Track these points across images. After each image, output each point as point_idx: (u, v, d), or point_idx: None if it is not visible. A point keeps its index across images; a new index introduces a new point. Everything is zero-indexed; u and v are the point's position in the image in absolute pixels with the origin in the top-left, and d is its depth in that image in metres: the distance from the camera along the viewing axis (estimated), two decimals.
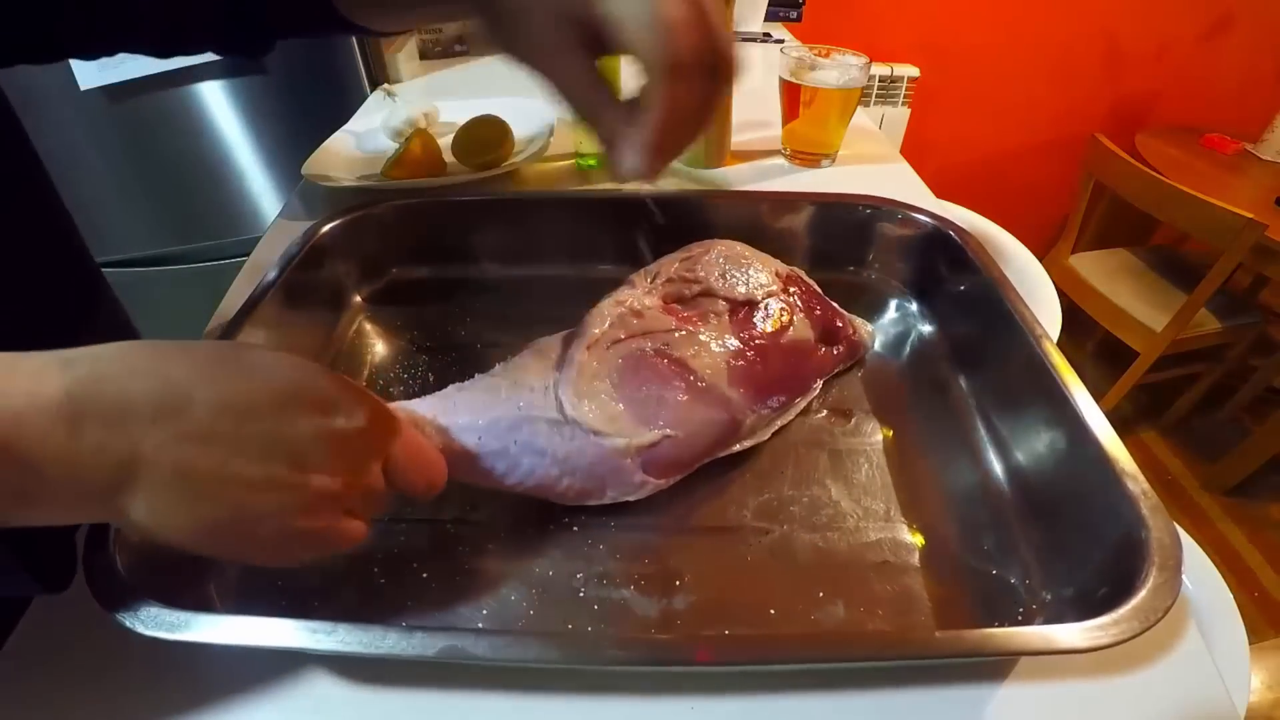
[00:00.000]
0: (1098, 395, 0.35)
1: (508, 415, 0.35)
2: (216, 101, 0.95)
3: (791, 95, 0.68)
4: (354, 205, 0.53)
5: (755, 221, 0.54)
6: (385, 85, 0.89)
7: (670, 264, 0.45)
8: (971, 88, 1.69)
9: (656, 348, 0.39)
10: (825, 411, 0.45)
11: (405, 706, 0.29)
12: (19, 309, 0.36)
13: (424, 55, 1.07)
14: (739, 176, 0.69)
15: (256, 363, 0.25)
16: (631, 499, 0.37)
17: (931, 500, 0.39)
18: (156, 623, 0.26)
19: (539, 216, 0.55)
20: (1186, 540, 0.60)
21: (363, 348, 0.51)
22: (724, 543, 0.37)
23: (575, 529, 0.37)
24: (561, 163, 0.70)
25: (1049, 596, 0.33)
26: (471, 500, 0.38)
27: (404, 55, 0.98)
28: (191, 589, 0.31)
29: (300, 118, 0.98)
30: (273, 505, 0.24)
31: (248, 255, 0.57)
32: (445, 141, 0.68)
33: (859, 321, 0.49)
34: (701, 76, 0.26)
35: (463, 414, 0.35)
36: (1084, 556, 0.33)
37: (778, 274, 0.46)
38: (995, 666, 0.30)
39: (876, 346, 0.49)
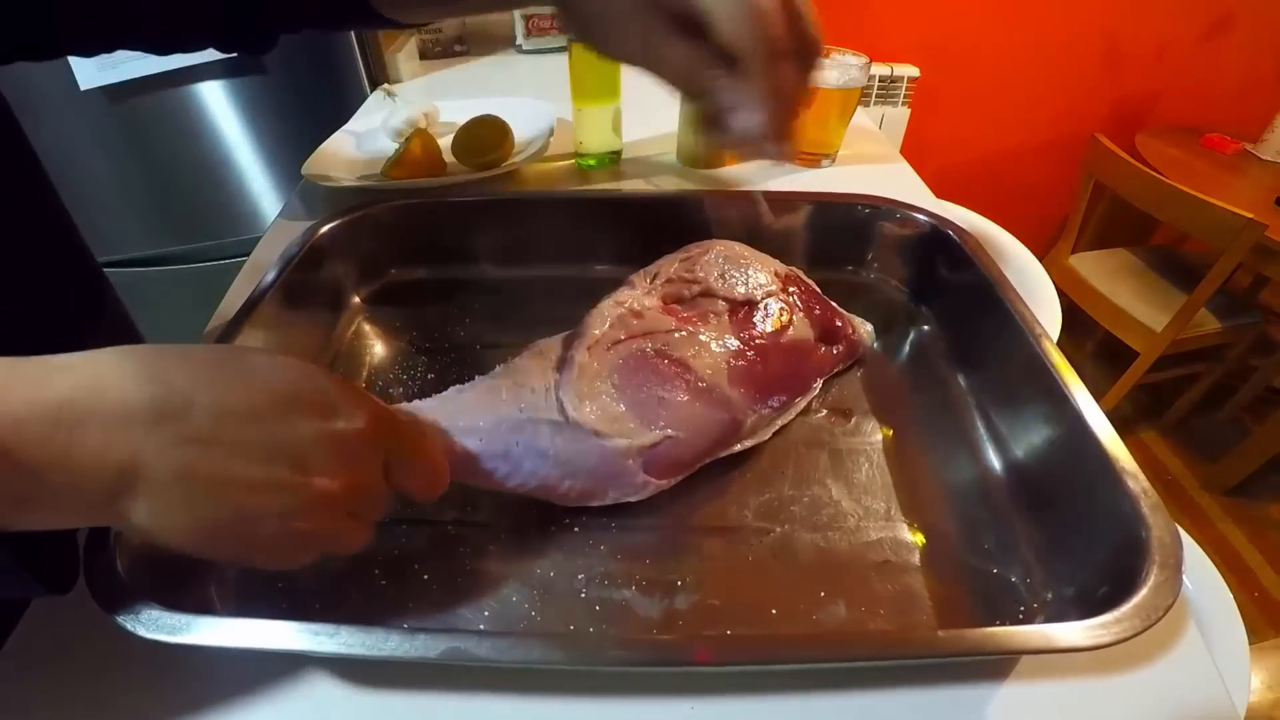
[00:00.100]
0: (1098, 395, 0.36)
1: (509, 417, 0.35)
2: (216, 101, 0.94)
3: None
4: (353, 206, 0.53)
5: (754, 221, 0.54)
6: (385, 85, 0.90)
7: (670, 264, 0.45)
8: (971, 88, 1.69)
9: (657, 348, 0.39)
10: (825, 411, 0.45)
11: (406, 708, 0.29)
12: (19, 309, 0.36)
13: (424, 55, 1.07)
14: (739, 176, 0.69)
15: (256, 366, 0.25)
16: (633, 500, 0.37)
17: (932, 499, 0.39)
18: (157, 625, 0.26)
19: (539, 217, 0.55)
20: (1186, 540, 0.60)
21: (361, 349, 0.51)
22: (725, 543, 0.37)
23: (576, 530, 0.37)
24: (561, 163, 0.70)
25: (1050, 595, 0.33)
26: (472, 501, 0.38)
27: (404, 55, 0.98)
28: (192, 591, 0.31)
29: (300, 118, 0.97)
30: (274, 508, 0.24)
31: (248, 255, 0.57)
32: (445, 141, 0.68)
33: (858, 321, 0.49)
34: (791, 59, 0.28)
35: (464, 416, 0.35)
36: (1084, 555, 0.33)
37: (777, 274, 0.46)
38: (996, 666, 0.30)
39: (876, 346, 0.49)
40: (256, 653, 0.29)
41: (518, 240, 0.55)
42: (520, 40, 1.08)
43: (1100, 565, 0.31)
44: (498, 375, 0.38)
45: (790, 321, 0.43)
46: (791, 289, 0.45)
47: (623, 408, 0.36)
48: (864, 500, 0.39)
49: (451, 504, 0.38)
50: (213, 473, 0.23)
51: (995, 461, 0.41)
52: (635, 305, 0.41)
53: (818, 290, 0.48)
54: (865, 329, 0.49)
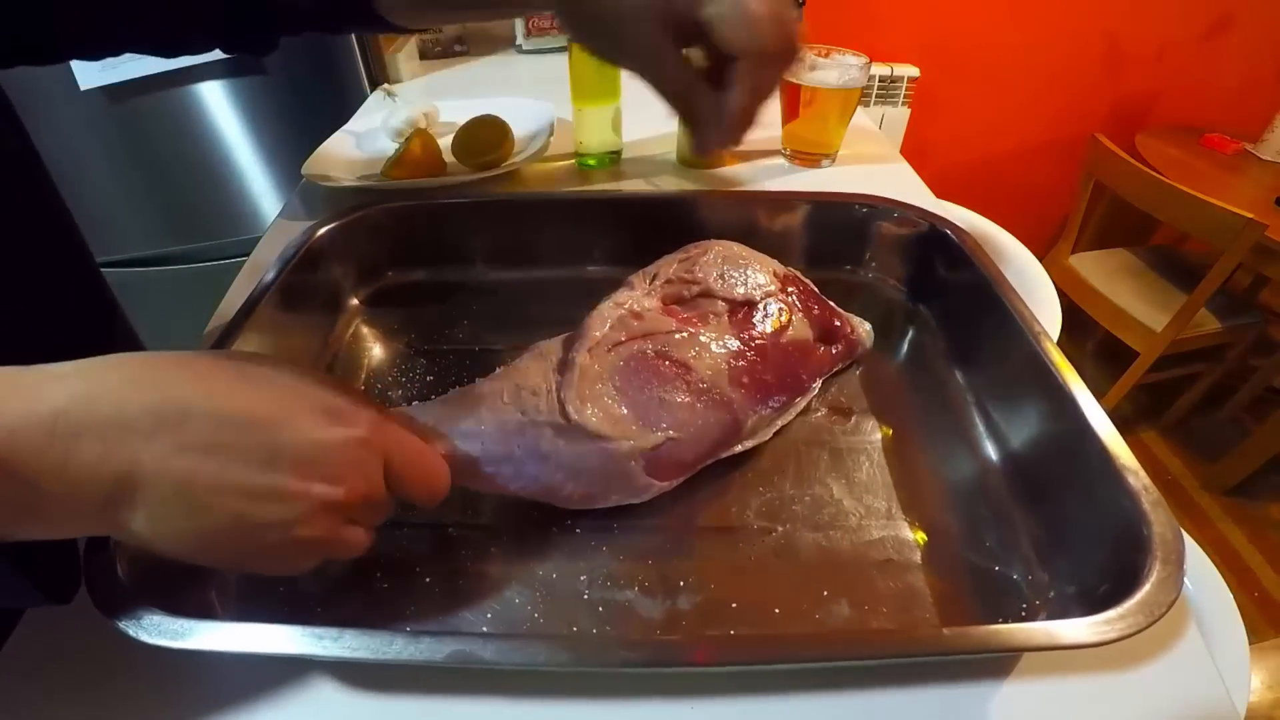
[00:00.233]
0: (1098, 395, 0.36)
1: (510, 420, 0.35)
2: (216, 101, 0.94)
3: (791, 95, 0.68)
4: (351, 207, 0.52)
5: (753, 221, 0.54)
6: (385, 85, 0.89)
7: (669, 265, 0.45)
8: (971, 88, 1.69)
9: (657, 350, 0.39)
10: (825, 410, 0.45)
11: (409, 711, 0.29)
12: (19, 309, 0.36)
13: (424, 55, 1.07)
14: (739, 176, 0.69)
15: (255, 373, 0.25)
16: (635, 502, 0.37)
17: (932, 497, 0.39)
18: (159, 630, 0.26)
19: (538, 217, 0.55)
20: (1187, 540, 0.60)
21: (360, 351, 0.51)
22: (727, 543, 0.37)
23: (578, 531, 0.37)
24: (561, 163, 0.70)
25: (1051, 593, 0.33)
26: (473, 504, 0.38)
27: (404, 55, 0.98)
28: (193, 595, 0.31)
29: (300, 118, 0.97)
30: (274, 515, 0.24)
31: (248, 255, 0.57)
32: (445, 141, 0.68)
33: (857, 320, 0.49)
34: (776, 63, 0.30)
35: (465, 420, 0.35)
36: (1085, 552, 0.33)
37: (776, 274, 0.46)
38: (997, 664, 0.30)
39: (874, 345, 0.49)
40: (259, 657, 0.29)
41: (516, 241, 0.55)
42: (520, 40, 1.08)
43: (1101, 562, 0.32)
44: (498, 378, 0.38)
45: (789, 321, 0.43)
46: (790, 289, 0.45)
47: (624, 410, 0.36)
48: (865, 499, 0.39)
49: (453, 506, 0.38)
50: (211, 481, 0.23)
51: (994, 459, 0.41)
52: (635, 306, 0.41)
53: (816, 290, 0.48)
54: (864, 328, 0.49)
